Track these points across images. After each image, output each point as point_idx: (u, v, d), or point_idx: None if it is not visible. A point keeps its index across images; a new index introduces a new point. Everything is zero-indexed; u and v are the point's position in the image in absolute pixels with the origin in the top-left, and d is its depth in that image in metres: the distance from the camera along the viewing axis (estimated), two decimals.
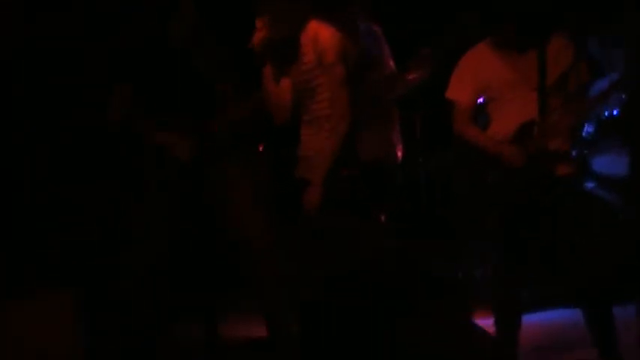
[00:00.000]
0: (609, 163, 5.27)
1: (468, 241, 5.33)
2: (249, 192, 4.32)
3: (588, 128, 5.36)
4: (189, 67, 4.29)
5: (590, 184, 5.25)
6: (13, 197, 5.01)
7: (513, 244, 4.02)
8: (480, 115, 4.25)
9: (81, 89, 5.04)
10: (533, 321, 4.71)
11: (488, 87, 4.07)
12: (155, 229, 4.23)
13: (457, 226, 5.33)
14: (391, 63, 4.72)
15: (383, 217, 4.61)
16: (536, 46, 4.00)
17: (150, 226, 4.23)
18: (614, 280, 4.12)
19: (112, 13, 5.08)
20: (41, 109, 5.07)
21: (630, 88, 4.53)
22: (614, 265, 4.22)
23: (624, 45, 4.97)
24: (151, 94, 4.24)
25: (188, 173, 4.26)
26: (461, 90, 4.13)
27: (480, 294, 5.07)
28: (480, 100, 4.21)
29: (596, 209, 5.10)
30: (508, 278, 4.09)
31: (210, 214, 4.33)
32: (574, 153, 4.33)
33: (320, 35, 3.97)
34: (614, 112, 5.30)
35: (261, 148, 4.90)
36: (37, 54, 5.05)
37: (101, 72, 5.02)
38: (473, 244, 5.31)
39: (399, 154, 4.75)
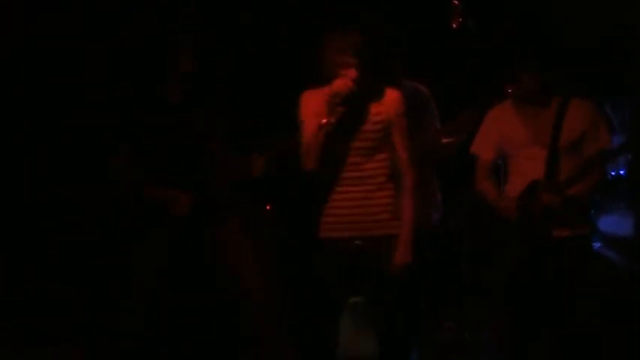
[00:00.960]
0: (615, 223, 5.29)
1: (476, 301, 5.31)
2: (248, 246, 4.33)
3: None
4: (186, 123, 4.29)
5: (596, 244, 5.23)
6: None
7: (521, 304, 4.06)
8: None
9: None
10: None
11: (506, 144, 4.13)
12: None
13: (465, 286, 5.35)
14: (437, 124, 4.66)
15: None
16: (556, 105, 4.04)
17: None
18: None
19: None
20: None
21: (637, 149, 4.59)
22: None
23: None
24: (148, 151, 4.25)
25: (185, 229, 4.26)
26: (483, 145, 4.21)
27: (486, 356, 5.02)
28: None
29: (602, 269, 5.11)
30: (515, 339, 4.11)
31: (209, 271, 4.34)
32: (588, 214, 4.34)
33: (391, 94, 3.89)
34: (621, 173, 5.32)
35: (268, 207, 4.92)
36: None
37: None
38: (481, 304, 5.27)
39: (435, 216, 4.68)
